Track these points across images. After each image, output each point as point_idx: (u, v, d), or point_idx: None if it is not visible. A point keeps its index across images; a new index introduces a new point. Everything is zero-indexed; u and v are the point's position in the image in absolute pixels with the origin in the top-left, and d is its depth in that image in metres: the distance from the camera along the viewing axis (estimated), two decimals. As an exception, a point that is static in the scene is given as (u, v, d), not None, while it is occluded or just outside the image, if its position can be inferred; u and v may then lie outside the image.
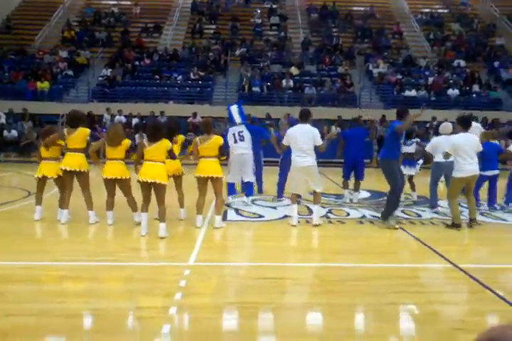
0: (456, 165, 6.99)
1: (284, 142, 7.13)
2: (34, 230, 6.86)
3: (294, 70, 21.14)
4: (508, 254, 6.09)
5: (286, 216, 7.53)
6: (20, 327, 3.64)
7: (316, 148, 6.95)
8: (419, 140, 9.35)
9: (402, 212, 8.02)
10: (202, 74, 20.94)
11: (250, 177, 8.28)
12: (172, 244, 6.10)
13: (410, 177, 8.98)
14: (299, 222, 7.18)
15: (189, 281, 4.67)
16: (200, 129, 17.13)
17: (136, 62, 21.76)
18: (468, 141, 6.96)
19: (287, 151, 8.04)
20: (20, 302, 4.08)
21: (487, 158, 7.80)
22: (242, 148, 8.07)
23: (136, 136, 16.03)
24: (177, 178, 7.14)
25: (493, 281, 4.77)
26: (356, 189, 8.88)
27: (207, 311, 3.99)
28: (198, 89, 20.61)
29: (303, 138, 6.86)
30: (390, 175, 7.00)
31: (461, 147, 6.89)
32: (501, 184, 8.50)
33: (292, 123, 8.96)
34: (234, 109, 8.29)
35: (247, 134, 8.11)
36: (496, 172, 8.13)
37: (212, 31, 24.73)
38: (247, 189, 8.43)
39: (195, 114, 18.29)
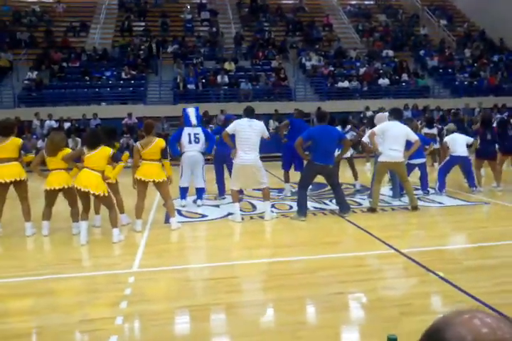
0: (382, 150, 7.32)
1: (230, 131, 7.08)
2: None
3: (228, 66, 21.05)
4: (445, 236, 6.35)
5: (229, 214, 7.46)
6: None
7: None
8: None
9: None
10: (134, 73, 20.41)
11: (201, 184, 8.18)
12: (114, 251, 5.91)
13: (350, 162, 9.31)
14: (242, 218, 7.16)
15: (134, 288, 4.52)
16: (135, 130, 16.83)
17: (64, 64, 20.87)
18: (399, 128, 7.32)
19: (221, 148, 8.01)
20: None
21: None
22: (195, 150, 7.97)
23: (69, 140, 15.42)
24: (113, 184, 6.87)
25: (434, 263, 4.93)
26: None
27: (155, 318, 3.87)
28: (131, 88, 20.04)
29: (250, 134, 6.90)
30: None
31: (390, 132, 7.24)
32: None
33: (228, 119, 8.91)
34: (191, 111, 8.18)
35: (202, 137, 8.05)
36: (423, 160, 8.51)
37: (141, 28, 24.15)
38: (199, 194, 8.31)
39: (130, 115, 17.82)
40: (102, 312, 4.06)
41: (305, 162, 7.58)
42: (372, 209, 7.44)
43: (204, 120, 11.22)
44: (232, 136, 7.07)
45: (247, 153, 6.89)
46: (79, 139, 15.41)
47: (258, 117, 8.17)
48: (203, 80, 20.09)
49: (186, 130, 8.01)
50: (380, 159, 7.38)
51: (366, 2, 29.16)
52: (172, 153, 8.09)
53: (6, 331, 3.72)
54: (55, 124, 17.35)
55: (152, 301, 4.31)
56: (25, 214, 6.56)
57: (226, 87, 20.02)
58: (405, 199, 7.95)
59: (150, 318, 3.87)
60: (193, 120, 8.04)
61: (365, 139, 8.16)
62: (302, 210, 7.11)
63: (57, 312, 4.10)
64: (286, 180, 8.95)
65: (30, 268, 5.26)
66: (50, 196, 6.51)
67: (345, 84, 20.70)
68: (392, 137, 7.25)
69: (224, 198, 8.66)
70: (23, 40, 22.25)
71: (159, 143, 6.57)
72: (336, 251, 5.57)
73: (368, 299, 4.28)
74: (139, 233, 6.52)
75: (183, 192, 8.19)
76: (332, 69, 21.58)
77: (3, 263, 5.49)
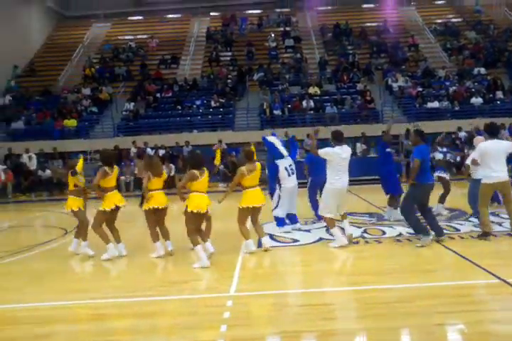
0: (483, 172, 7.04)
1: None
2: (73, 268, 6.98)
3: (313, 90, 21.25)
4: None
5: (321, 238, 7.47)
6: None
7: None
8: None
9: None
10: (222, 101, 21.22)
11: (295, 210, 8.41)
12: (210, 275, 6.10)
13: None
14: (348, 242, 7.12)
15: (232, 312, 4.63)
16: (225, 156, 17.36)
17: (157, 94, 22.22)
18: (497, 147, 6.99)
19: (315, 178, 8.07)
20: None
21: None
22: (294, 181, 8.15)
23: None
24: None
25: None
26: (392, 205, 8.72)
27: (254, 343, 3.95)
28: (220, 116, 20.87)
29: (344, 160, 6.99)
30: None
31: (489, 153, 6.94)
32: None
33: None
34: (274, 140, 8.28)
35: (294, 167, 8.24)
36: None
37: (228, 58, 25.17)
38: (293, 219, 8.44)
39: (220, 141, 18.51)
40: (203, 335, 4.19)
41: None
42: (486, 234, 7.02)
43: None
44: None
45: (344, 177, 6.96)
46: (172, 166, 16.17)
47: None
48: (289, 106, 20.42)
49: (282, 163, 8.06)
50: (484, 181, 7.06)
51: (453, 20, 28.34)
52: (270, 191, 8.45)
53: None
54: (150, 151, 18.37)
55: (250, 326, 4.39)
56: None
57: (311, 112, 20.19)
58: (507, 224, 7.51)
59: (249, 343, 3.95)
60: (283, 151, 8.14)
61: (468, 162, 7.85)
62: (424, 231, 6.93)
63: (158, 333, 4.31)
64: (391, 203, 8.68)
65: (129, 289, 5.59)
66: (159, 215, 6.93)
67: (435, 104, 20.09)
68: (492, 158, 6.93)
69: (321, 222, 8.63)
70: (121, 74, 24.04)
71: (259, 167, 6.95)
72: (435, 279, 5.36)
73: (471, 332, 4.07)
74: (233, 257, 6.67)
75: (284, 221, 8.30)
76: (420, 89, 21.08)
77: (104, 284, 5.89)
